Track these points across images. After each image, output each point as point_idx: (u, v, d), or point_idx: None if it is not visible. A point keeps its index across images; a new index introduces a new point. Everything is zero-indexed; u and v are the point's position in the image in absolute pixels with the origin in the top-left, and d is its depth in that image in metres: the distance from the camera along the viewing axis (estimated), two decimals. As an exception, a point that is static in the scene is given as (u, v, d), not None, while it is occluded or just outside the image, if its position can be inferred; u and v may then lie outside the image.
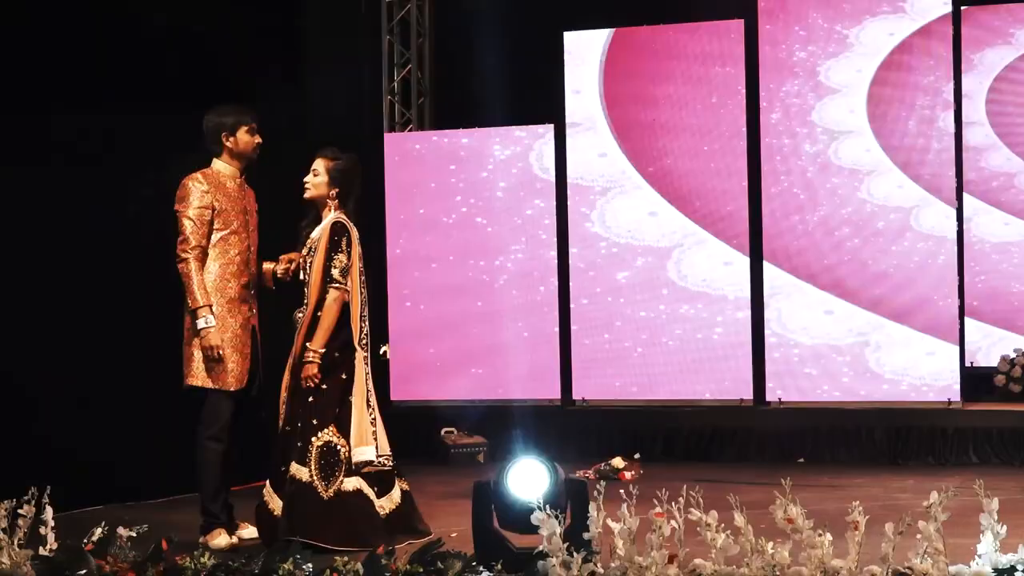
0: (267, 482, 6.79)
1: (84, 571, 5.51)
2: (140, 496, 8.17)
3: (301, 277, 6.85)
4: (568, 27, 10.76)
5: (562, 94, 10.72)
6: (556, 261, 10.69)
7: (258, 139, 6.93)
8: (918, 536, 4.81)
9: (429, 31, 11.71)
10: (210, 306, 6.67)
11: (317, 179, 6.82)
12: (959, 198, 10.08)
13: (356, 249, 6.81)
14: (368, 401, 6.76)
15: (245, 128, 6.89)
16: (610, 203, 10.59)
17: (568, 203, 10.66)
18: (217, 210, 6.75)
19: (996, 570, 4.80)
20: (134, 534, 5.71)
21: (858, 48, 10.17)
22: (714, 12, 10.50)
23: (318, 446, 6.58)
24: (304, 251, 6.85)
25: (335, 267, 6.70)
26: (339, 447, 6.61)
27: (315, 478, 6.54)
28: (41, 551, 5.63)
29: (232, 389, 6.76)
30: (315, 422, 6.63)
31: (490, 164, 10.79)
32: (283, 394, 6.85)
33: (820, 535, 4.88)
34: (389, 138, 11.17)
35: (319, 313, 6.70)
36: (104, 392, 8.08)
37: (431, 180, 10.88)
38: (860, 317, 10.04)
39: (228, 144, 6.86)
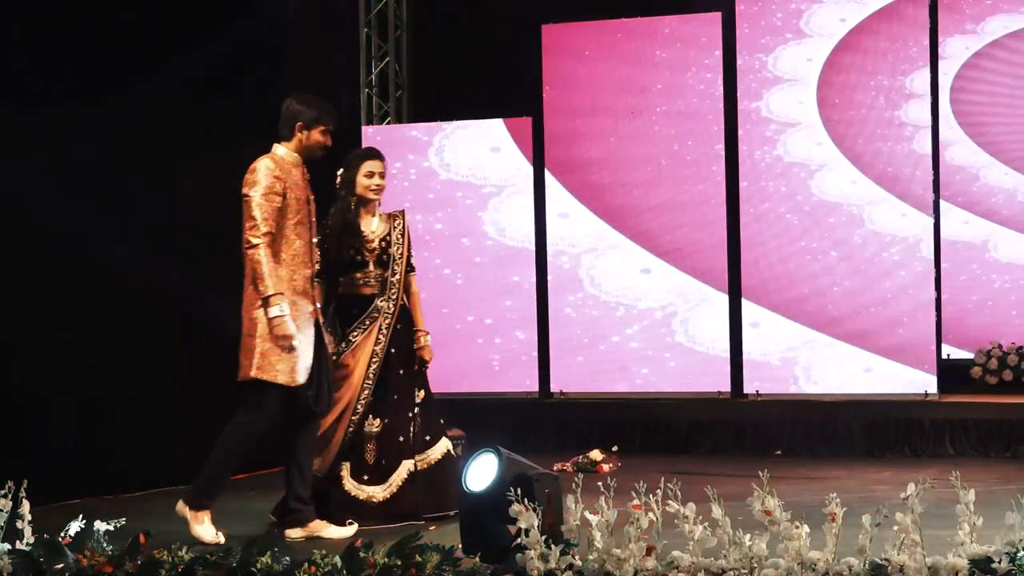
0: (344, 474, 7.11)
1: (61, 565, 5.49)
2: (118, 489, 8.14)
3: (373, 268, 7.17)
4: (546, 20, 10.76)
5: (540, 87, 10.71)
6: (535, 255, 10.73)
7: (328, 142, 6.78)
8: (895, 528, 4.83)
9: (407, 24, 11.70)
10: (283, 294, 6.46)
11: (383, 180, 7.21)
12: (935, 190, 10.11)
13: None
14: None
15: (322, 128, 6.71)
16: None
17: (546, 199, 10.69)
18: (287, 197, 6.55)
19: (973, 561, 4.82)
20: (112, 528, 5.69)
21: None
22: (690, 6, 10.52)
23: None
24: (375, 243, 7.16)
25: (412, 257, 7.31)
26: None
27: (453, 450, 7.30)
28: (18, 545, 5.61)
29: (295, 384, 6.55)
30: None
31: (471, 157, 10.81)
32: (364, 382, 7.09)
33: (797, 527, 4.89)
34: (367, 131, 11.16)
35: (405, 299, 7.22)
36: (83, 385, 8.06)
37: (409, 173, 10.89)
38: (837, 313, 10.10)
39: (299, 135, 6.67)
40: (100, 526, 5.66)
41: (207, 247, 8.47)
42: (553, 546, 5.04)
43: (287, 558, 5.33)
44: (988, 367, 10.16)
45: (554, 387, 10.65)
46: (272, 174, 6.53)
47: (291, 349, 6.47)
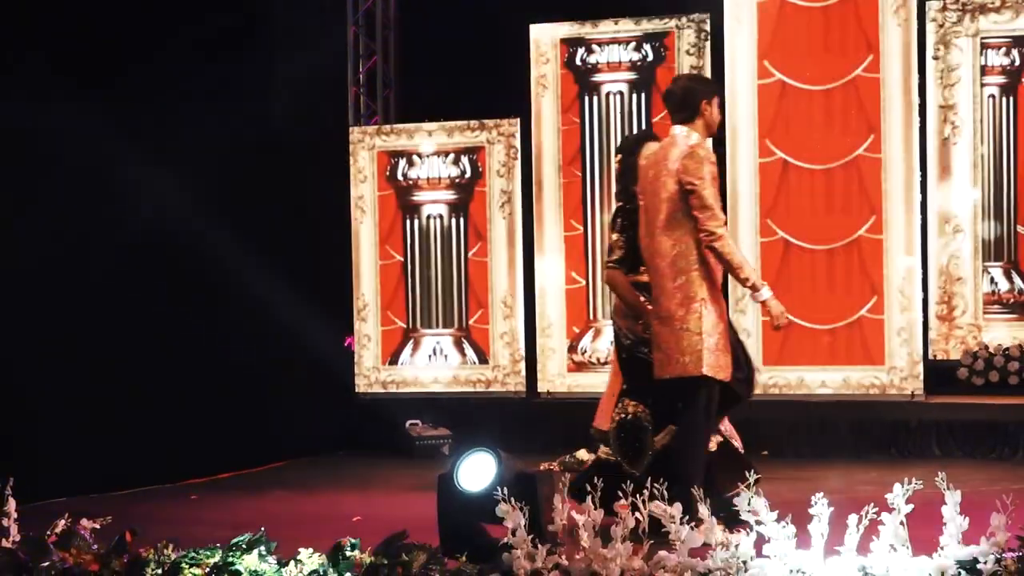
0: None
1: (47, 563, 5.48)
2: (104, 488, 8.13)
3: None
4: (534, 20, 10.74)
5: (528, 87, 10.69)
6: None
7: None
8: (881, 528, 4.84)
9: (395, 23, 11.69)
10: (759, 276, 6.19)
11: None
12: (923, 182, 10.10)
13: None
14: None
15: (719, 100, 6.38)
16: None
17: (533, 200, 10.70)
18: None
19: (959, 562, 4.83)
20: (98, 526, 5.69)
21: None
22: (668, 8, 10.51)
23: None
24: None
25: None
26: None
27: None
28: (4, 543, 5.60)
29: (731, 379, 6.25)
30: None
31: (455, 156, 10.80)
32: None
33: (784, 527, 4.90)
34: (355, 130, 11.14)
35: None
36: (70, 384, 8.04)
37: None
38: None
39: (705, 112, 6.26)
40: (86, 524, 5.66)
41: (197, 252, 8.48)
42: (540, 545, 5.04)
43: (273, 557, 5.33)
44: (974, 368, 10.16)
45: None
46: (710, 160, 6.15)
47: (787, 323, 6.22)
